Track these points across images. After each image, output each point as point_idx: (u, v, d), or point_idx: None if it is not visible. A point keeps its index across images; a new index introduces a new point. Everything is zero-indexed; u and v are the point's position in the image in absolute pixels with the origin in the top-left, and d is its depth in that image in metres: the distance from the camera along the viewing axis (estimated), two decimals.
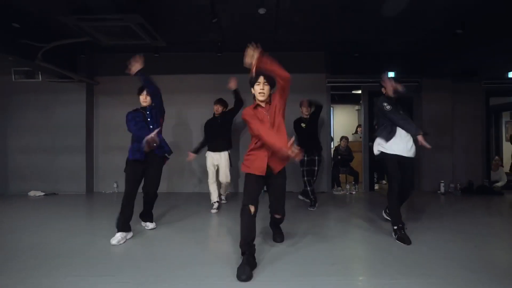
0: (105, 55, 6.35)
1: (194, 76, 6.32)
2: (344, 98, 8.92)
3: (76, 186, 6.17)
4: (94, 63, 6.38)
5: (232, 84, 4.77)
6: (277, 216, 2.97)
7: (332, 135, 9.68)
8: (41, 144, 6.19)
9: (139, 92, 3.51)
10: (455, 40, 5.06)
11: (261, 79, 2.67)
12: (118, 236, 3.16)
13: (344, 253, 2.88)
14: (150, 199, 3.55)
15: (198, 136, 6.07)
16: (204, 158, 4.92)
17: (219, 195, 5.01)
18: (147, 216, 3.68)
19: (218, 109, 4.83)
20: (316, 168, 4.86)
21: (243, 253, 2.49)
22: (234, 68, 6.33)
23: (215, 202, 4.73)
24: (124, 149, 6.25)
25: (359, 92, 6.75)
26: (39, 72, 5.87)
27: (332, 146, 7.59)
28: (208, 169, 4.87)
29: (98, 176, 6.46)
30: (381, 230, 3.57)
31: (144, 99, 3.49)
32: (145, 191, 3.49)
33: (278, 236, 3.18)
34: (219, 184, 4.94)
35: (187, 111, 6.31)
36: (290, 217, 4.05)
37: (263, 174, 2.69)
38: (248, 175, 2.72)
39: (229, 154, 4.84)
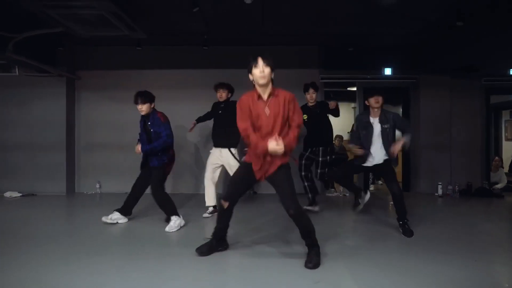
0: (87, 48, 6.04)
1: (180, 71, 6.02)
2: (340, 95, 8.62)
3: (56, 186, 5.85)
4: (75, 57, 6.06)
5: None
6: (290, 212, 2.50)
7: None
8: (18, 141, 5.85)
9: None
10: (455, 33, 4.76)
11: (260, 61, 2.46)
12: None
13: None
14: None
15: (186, 134, 5.74)
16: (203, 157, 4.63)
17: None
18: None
19: (222, 95, 4.21)
20: (319, 160, 4.32)
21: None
22: (221, 62, 6.18)
23: (210, 207, 4.19)
24: (108, 146, 6.15)
25: (354, 89, 6.46)
26: (16, 66, 5.54)
27: None
28: (207, 165, 4.24)
29: (80, 176, 6.16)
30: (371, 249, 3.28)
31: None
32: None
33: (309, 258, 2.56)
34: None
35: (174, 108, 5.98)
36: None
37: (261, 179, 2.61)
38: (239, 170, 2.77)
39: (233, 152, 4.14)
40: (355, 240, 3.29)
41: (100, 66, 6.10)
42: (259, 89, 2.52)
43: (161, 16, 4.55)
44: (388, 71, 5.90)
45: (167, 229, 3.49)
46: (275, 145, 2.38)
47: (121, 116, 5.99)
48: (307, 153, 4.43)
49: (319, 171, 4.35)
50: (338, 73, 6.03)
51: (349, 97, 8.84)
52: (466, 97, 6.16)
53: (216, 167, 4.22)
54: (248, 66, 2.49)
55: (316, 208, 4.34)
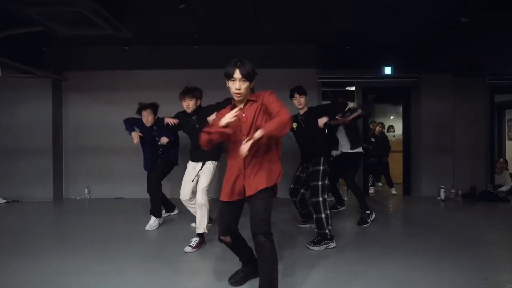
0: (75, 48, 5.80)
1: (170, 71, 5.76)
2: (338, 95, 8.38)
3: (42, 191, 5.60)
4: (62, 57, 5.81)
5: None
6: (257, 238, 2.04)
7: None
8: (2, 144, 5.61)
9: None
10: (455, 32, 4.53)
11: (237, 73, 2.06)
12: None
13: None
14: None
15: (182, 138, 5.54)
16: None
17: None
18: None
19: (189, 104, 3.43)
20: (319, 169, 3.30)
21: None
22: (213, 62, 5.90)
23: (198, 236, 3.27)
24: (97, 150, 5.92)
25: (353, 88, 6.23)
26: None
27: None
28: (183, 184, 3.50)
29: (68, 181, 5.92)
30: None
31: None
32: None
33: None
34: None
35: (164, 110, 5.76)
36: None
37: (240, 197, 2.19)
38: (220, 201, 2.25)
39: (214, 166, 3.44)
40: (352, 251, 3.07)
41: (88, 66, 5.86)
42: (236, 101, 2.21)
43: (150, 15, 4.33)
44: (388, 70, 5.67)
45: (147, 227, 3.85)
46: (244, 147, 1.97)
47: (111, 119, 5.72)
48: (297, 172, 3.70)
49: (319, 183, 3.24)
50: (336, 72, 5.80)
51: (349, 97, 8.62)
52: (469, 97, 5.93)
53: (192, 185, 3.49)
54: (225, 72, 2.11)
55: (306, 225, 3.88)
